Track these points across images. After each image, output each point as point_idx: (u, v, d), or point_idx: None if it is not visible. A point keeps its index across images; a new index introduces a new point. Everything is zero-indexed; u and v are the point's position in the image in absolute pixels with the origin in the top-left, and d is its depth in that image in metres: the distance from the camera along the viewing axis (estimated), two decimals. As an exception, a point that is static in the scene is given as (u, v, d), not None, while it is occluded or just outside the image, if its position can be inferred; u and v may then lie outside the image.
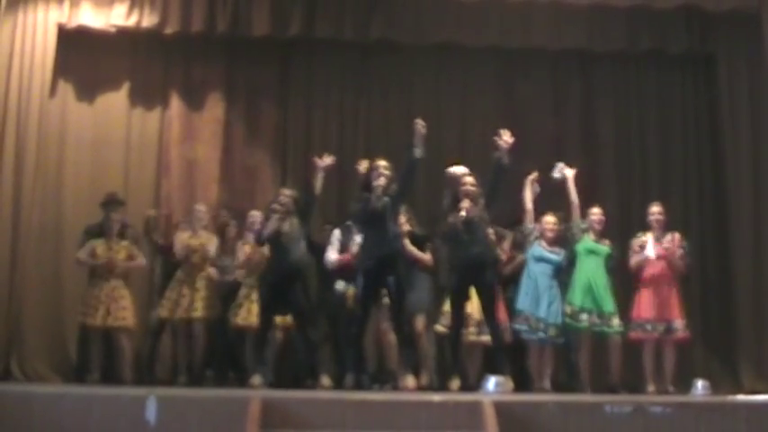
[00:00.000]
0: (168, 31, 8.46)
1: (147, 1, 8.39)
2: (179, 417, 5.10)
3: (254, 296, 7.42)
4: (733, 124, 8.78)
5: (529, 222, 7.26)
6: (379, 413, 5.17)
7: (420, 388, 6.63)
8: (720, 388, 7.70)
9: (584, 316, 7.03)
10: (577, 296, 7.07)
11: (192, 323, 7.52)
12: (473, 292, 6.87)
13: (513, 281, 7.36)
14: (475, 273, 6.72)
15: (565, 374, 7.45)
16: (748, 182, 8.65)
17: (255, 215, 7.62)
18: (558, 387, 7.13)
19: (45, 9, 8.35)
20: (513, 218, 7.54)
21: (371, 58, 9.15)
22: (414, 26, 8.70)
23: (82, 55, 8.67)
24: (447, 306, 7.18)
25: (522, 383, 7.03)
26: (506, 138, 6.71)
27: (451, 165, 7.17)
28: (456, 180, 6.94)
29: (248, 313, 7.43)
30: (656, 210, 7.35)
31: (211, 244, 7.67)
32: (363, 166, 7.15)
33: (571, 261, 7.23)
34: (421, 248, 7.34)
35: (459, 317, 6.84)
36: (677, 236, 7.28)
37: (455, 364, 6.93)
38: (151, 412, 5.05)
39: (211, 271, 7.64)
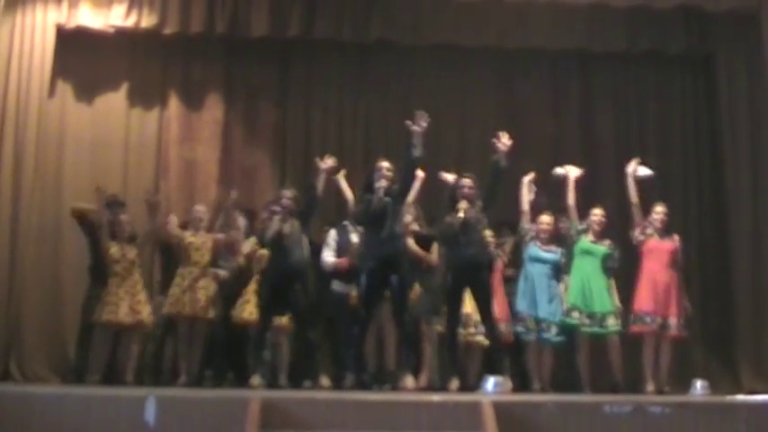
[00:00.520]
0: (167, 31, 8.47)
1: (146, 1, 8.40)
2: (178, 417, 5.08)
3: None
4: (732, 124, 8.79)
5: (525, 223, 7.26)
6: (378, 413, 5.16)
7: (420, 388, 6.63)
8: (720, 388, 7.71)
9: (575, 314, 7.04)
10: (571, 297, 7.09)
11: (196, 322, 7.50)
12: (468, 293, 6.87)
13: (515, 282, 7.37)
14: (470, 273, 6.71)
15: (566, 374, 7.44)
16: (747, 181, 8.66)
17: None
18: (558, 387, 7.13)
19: (44, 9, 8.36)
20: (515, 221, 7.52)
21: (370, 59, 9.16)
22: (413, 27, 8.71)
23: (81, 55, 8.68)
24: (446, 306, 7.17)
25: (522, 384, 7.03)
26: (504, 140, 6.71)
27: (450, 166, 7.16)
28: (448, 184, 6.97)
29: (255, 308, 7.39)
30: (660, 209, 7.31)
31: (212, 243, 7.65)
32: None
33: (570, 261, 7.23)
34: (427, 249, 7.30)
35: (455, 317, 6.83)
36: (675, 236, 7.29)
37: (452, 364, 6.92)
38: (150, 413, 5.04)
39: (220, 271, 7.61)
